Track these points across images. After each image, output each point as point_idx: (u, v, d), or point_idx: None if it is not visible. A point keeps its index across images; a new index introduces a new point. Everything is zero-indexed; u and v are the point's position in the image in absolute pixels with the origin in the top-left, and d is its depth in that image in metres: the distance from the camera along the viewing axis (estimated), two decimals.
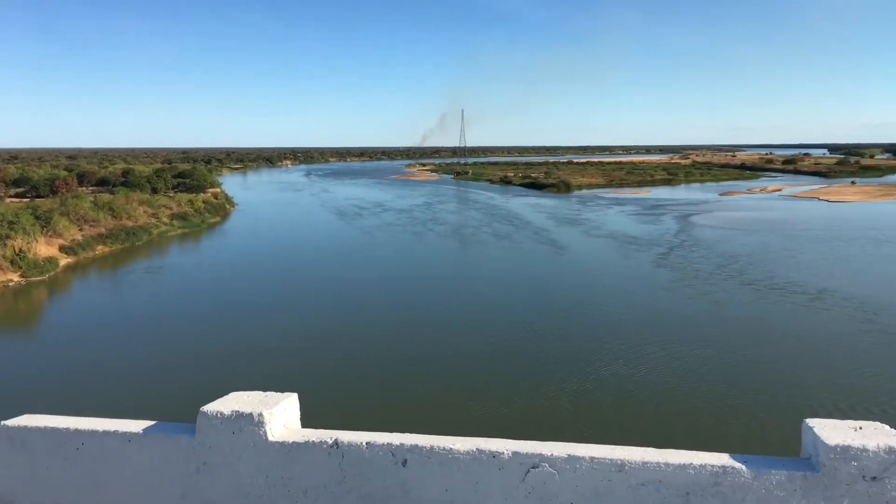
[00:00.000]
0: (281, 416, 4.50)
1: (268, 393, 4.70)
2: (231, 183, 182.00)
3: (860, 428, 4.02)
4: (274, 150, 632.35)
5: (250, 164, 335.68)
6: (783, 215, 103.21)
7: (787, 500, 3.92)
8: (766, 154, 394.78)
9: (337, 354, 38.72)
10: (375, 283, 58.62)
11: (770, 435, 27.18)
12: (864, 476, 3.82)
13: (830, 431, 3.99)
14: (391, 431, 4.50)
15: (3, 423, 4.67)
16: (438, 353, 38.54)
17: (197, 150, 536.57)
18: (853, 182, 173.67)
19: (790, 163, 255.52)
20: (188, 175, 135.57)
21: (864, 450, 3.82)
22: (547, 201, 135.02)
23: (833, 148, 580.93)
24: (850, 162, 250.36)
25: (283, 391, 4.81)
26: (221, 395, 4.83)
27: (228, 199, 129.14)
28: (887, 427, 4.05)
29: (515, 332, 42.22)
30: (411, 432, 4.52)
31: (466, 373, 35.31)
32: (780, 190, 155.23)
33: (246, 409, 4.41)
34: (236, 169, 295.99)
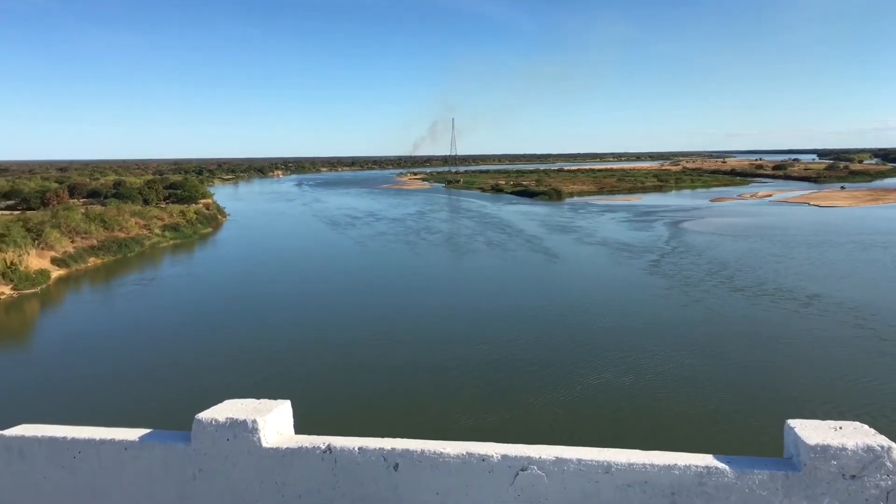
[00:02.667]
0: (274, 422, 4.59)
1: (261, 400, 4.78)
2: (223, 193, 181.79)
3: (840, 428, 4.14)
4: (265, 160, 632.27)
5: (242, 174, 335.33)
6: (774, 220, 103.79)
7: (769, 499, 4.02)
8: (757, 160, 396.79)
9: (329, 362, 38.72)
10: (368, 291, 58.62)
11: (759, 437, 27.33)
12: (843, 475, 3.93)
13: (811, 431, 4.10)
14: (383, 437, 4.58)
15: (0, 433, 4.74)
16: (430, 361, 38.57)
17: (188, 161, 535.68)
18: (843, 187, 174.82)
19: (780, 168, 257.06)
20: (180, 186, 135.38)
21: (843, 449, 3.92)
22: (539, 209, 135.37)
23: (822, 153, 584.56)
24: (839, 167, 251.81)
25: (276, 398, 4.89)
26: (215, 403, 4.91)
27: (220, 210, 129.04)
28: (866, 427, 4.16)
29: (507, 339, 42.30)
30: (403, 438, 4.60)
31: (458, 381, 35.34)
32: (770, 195, 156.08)
33: (240, 416, 4.49)
34: (228, 180, 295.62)
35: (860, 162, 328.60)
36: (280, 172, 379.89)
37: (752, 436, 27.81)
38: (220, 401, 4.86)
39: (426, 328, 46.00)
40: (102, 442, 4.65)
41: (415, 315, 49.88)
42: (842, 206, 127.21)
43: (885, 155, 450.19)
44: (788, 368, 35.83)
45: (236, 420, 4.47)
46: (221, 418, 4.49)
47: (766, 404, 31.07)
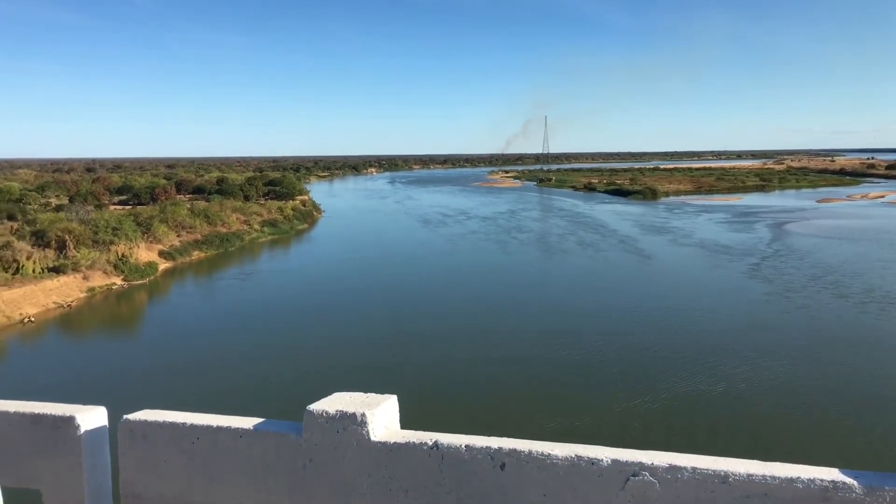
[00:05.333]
0: (382, 416, 4.64)
1: (368, 394, 4.84)
2: (318, 190, 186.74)
3: None
4: (359, 157, 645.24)
5: (337, 171, 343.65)
6: (885, 223, 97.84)
7: None
8: (869, 158, 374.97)
9: (425, 356, 39.14)
10: (459, 288, 58.90)
11: (880, 451, 25.83)
12: None
13: None
14: (488, 435, 4.56)
15: (125, 417, 4.99)
16: (518, 359, 38.37)
17: (286, 159, 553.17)
18: None
19: (895, 168, 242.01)
20: (278, 183, 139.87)
21: None
22: (632, 208, 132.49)
23: None
24: None
25: (378, 391, 4.96)
26: (319, 394, 5.02)
27: (316, 207, 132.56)
28: None
29: (599, 343, 41.60)
30: (507, 436, 4.57)
31: (556, 380, 35.02)
32: (883, 196, 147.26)
33: (349, 409, 4.56)
34: (323, 177, 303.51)
35: None
36: (374, 170, 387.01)
37: (876, 449, 26.33)
38: (325, 392, 4.95)
39: (516, 327, 45.78)
40: (219, 429, 4.82)
41: (505, 313, 49.74)
42: None
43: None
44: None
45: (346, 413, 4.54)
46: (332, 410, 4.57)
47: (881, 416, 29.33)
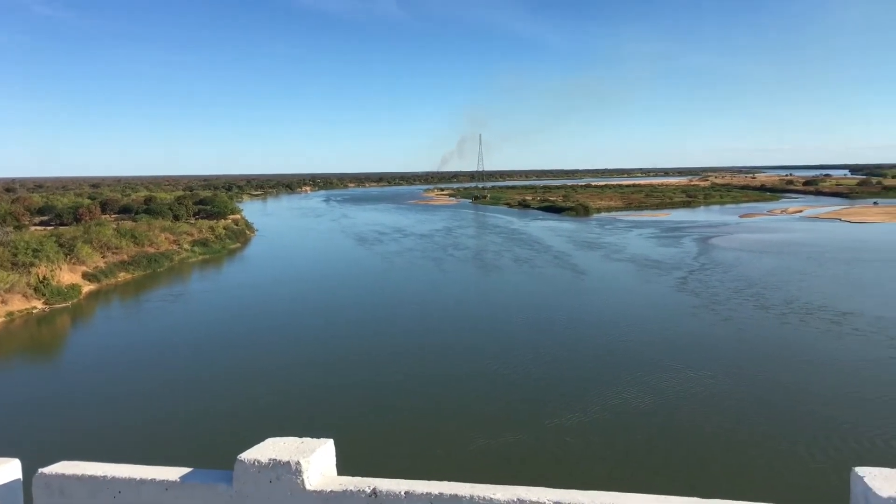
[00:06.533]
0: (318, 463, 4.47)
1: (304, 439, 4.67)
2: (251, 209, 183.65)
3: None
4: (293, 176, 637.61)
5: (270, 190, 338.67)
6: (804, 237, 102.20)
7: None
8: (787, 175, 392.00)
9: (357, 383, 38.63)
10: (393, 308, 58.61)
11: (804, 462, 26.71)
12: None
13: (882, 482, 3.88)
14: (418, 473, 4.45)
15: (40, 470, 4.68)
16: (451, 378, 38.31)
17: (218, 178, 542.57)
18: (875, 203, 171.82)
19: (811, 184, 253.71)
20: (209, 202, 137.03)
21: None
22: (566, 224, 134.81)
23: (855, 168, 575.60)
24: (871, 182, 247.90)
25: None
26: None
27: (248, 225, 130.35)
28: None
29: (532, 357, 41.94)
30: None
31: (493, 397, 35.05)
32: (801, 211, 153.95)
33: (283, 456, 4.38)
34: (256, 195, 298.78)
35: (894, 177, 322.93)
36: (308, 188, 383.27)
37: (785, 462, 27.20)
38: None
39: (453, 344, 45.74)
40: (143, 482, 4.56)
41: (441, 331, 49.68)
42: (874, 221, 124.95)
43: None
44: (817, 389, 35.03)
45: (279, 461, 4.36)
46: (264, 459, 4.38)
47: (804, 427, 30.38)
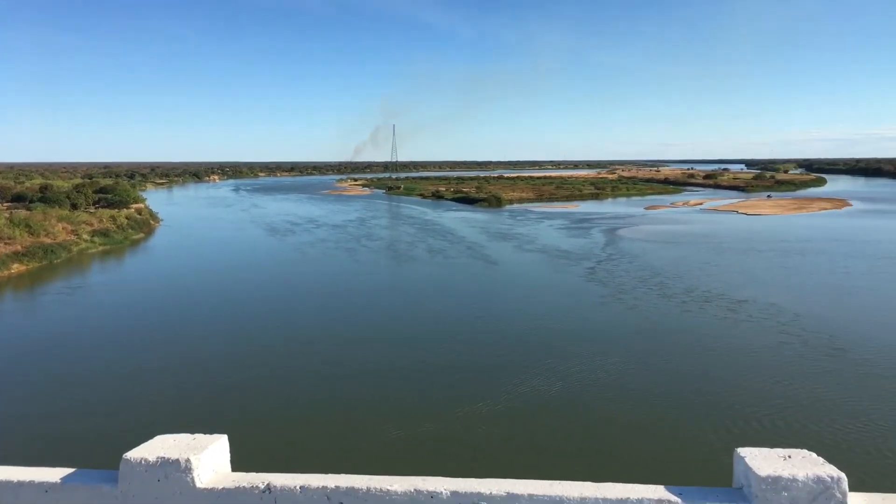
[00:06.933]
0: (210, 460, 4.32)
1: (196, 435, 4.50)
2: (156, 198, 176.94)
3: (789, 457, 4.12)
4: (201, 164, 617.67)
5: (176, 178, 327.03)
6: (704, 228, 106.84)
7: None
8: (689, 169, 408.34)
9: (262, 375, 37.90)
10: (303, 300, 57.78)
11: (689, 442, 27.94)
12: None
13: (761, 461, 4.08)
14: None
15: None
16: (362, 368, 38.17)
17: (119, 165, 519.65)
18: (769, 196, 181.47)
19: (711, 177, 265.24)
20: (110, 190, 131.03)
21: (794, 480, 3.91)
22: (479, 216, 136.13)
23: (750, 163, 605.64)
24: (766, 177, 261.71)
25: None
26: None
27: (153, 215, 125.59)
28: (814, 455, 4.16)
29: (446, 348, 42.24)
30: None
31: (387, 389, 35.06)
32: (701, 203, 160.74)
33: (172, 454, 4.21)
34: (161, 184, 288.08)
35: (786, 172, 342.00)
36: (216, 177, 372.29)
37: (680, 441, 28.42)
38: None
39: (364, 335, 45.51)
40: (21, 484, 4.29)
41: (349, 322, 49.34)
42: (768, 214, 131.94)
43: (809, 165, 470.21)
44: (715, 374, 36.77)
45: (168, 459, 4.19)
46: (152, 458, 4.20)
47: (696, 411, 31.81)
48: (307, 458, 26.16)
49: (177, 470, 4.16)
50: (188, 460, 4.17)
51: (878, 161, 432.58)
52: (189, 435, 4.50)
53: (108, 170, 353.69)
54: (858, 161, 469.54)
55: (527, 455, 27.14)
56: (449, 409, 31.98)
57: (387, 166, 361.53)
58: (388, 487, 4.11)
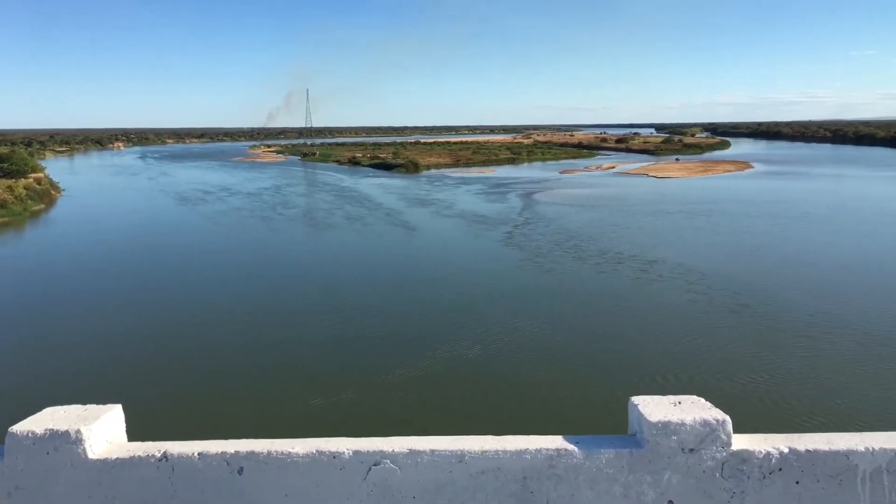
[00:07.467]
0: (102, 430, 4.18)
1: (87, 406, 4.34)
2: (56, 167, 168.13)
3: (679, 403, 4.31)
4: (103, 131, 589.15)
5: (77, 146, 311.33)
6: (616, 191, 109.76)
7: (615, 477, 4.14)
8: (601, 133, 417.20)
9: (168, 346, 36.98)
10: (221, 273, 56.45)
11: (599, 397, 29.02)
12: (682, 449, 4.10)
13: (653, 408, 4.25)
14: (227, 438, 4.30)
15: None
16: (280, 339, 37.79)
17: (14, 132, 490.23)
18: (677, 159, 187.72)
19: (622, 142, 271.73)
20: (6, 159, 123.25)
21: (682, 424, 4.10)
22: (396, 182, 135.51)
23: (660, 127, 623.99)
24: (674, 140, 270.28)
25: (107, 401, 4.47)
26: (30, 408, 4.44)
27: (54, 185, 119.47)
28: (703, 400, 4.37)
29: (362, 314, 42.20)
30: (252, 434, 4.35)
31: (310, 362, 34.89)
32: (614, 167, 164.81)
33: (61, 426, 4.05)
34: (61, 152, 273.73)
35: (693, 136, 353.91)
36: (121, 144, 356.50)
37: (591, 397, 29.47)
38: (40, 408, 4.37)
39: (280, 304, 44.94)
40: None
41: (267, 293, 48.58)
42: (676, 176, 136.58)
43: (714, 129, 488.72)
44: (625, 332, 38.18)
45: (57, 431, 4.03)
46: (40, 430, 4.03)
47: (603, 367, 33.00)
48: (221, 431, 25.77)
49: (67, 441, 4.01)
50: (79, 431, 4.03)
51: (778, 124, 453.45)
52: (80, 406, 4.33)
53: (3, 137, 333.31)
54: (760, 124, 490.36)
55: (440, 417, 27.56)
56: (368, 378, 32.05)
57: (301, 132, 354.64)
58: (290, 450, 4.08)
